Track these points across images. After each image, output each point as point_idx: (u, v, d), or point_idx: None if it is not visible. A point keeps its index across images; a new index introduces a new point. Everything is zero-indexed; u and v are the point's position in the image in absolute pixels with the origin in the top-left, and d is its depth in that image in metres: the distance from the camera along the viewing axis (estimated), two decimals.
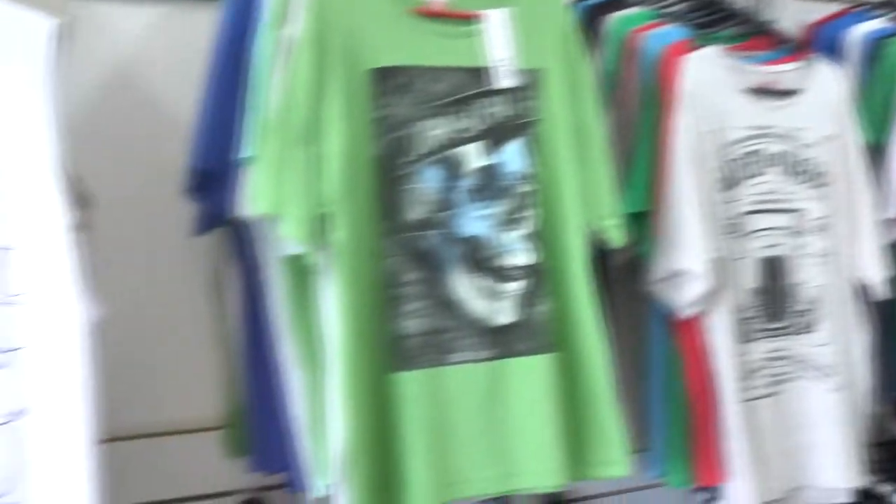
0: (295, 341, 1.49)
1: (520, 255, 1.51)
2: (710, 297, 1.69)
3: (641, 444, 1.75)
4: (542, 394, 1.48)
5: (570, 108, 1.55)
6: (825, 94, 1.84)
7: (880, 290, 1.86)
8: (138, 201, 1.73)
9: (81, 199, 1.33)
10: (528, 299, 1.51)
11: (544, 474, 1.47)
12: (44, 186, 1.24)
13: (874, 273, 1.85)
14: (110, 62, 1.74)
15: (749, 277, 1.76)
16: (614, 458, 1.53)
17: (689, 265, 1.66)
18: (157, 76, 1.77)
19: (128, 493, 1.51)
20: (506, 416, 1.48)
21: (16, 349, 1.23)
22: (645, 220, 1.69)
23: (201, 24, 1.63)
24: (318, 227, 1.37)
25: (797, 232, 1.80)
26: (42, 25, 1.26)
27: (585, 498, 2.07)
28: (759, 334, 1.77)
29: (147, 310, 1.75)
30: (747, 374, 1.74)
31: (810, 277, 1.81)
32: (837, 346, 1.83)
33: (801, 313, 1.80)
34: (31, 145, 1.24)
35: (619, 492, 2.08)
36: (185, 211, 1.61)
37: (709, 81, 1.73)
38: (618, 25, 1.81)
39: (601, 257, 1.66)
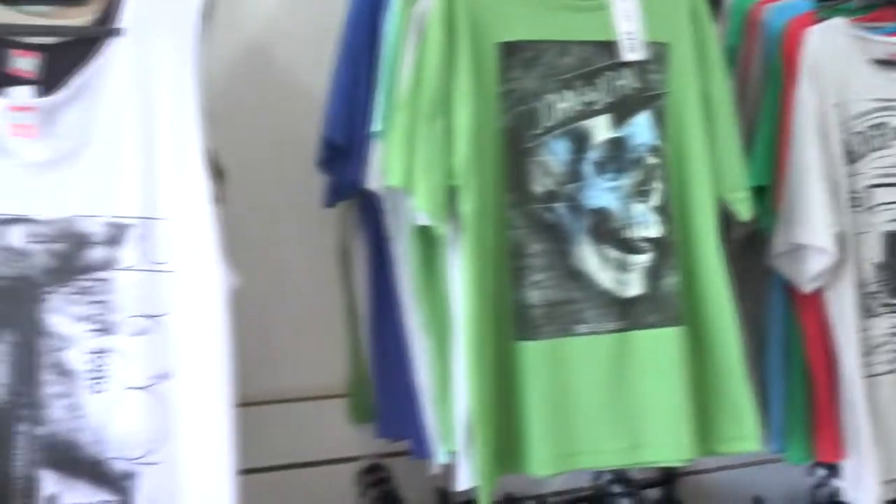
0: (422, 310, 1.51)
1: (648, 227, 1.50)
2: (833, 271, 1.66)
3: (760, 418, 1.72)
4: (671, 367, 1.47)
5: (698, 81, 1.53)
6: None
7: None
8: (270, 173, 1.76)
9: (217, 171, 1.37)
10: (656, 271, 1.50)
11: (673, 448, 1.47)
12: (189, 159, 1.28)
13: None
14: (245, 37, 1.77)
15: (873, 252, 1.72)
16: (746, 433, 1.52)
17: (812, 240, 1.63)
18: (290, 51, 1.80)
19: (255, 457, 1.54)
20: (632, 388, 1.47)
21: (162, 315, 1.28)
22: (767, 193, 1.67)
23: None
24: (447, 199, 1.39)
25: None
26: (190, 3, 1.29)
27: (700, 472, 2.05)
28: (882, 309, 1.72)
29: (277, 279, 1.78)
30: (869, 349, 1.70)
31: None
32: None
33: None
34: (179, 119, 1.28)
35: (736, 466, 2.06)
36: (316, 183, 1.64)
37: (833, 53, 1.69)
38: None
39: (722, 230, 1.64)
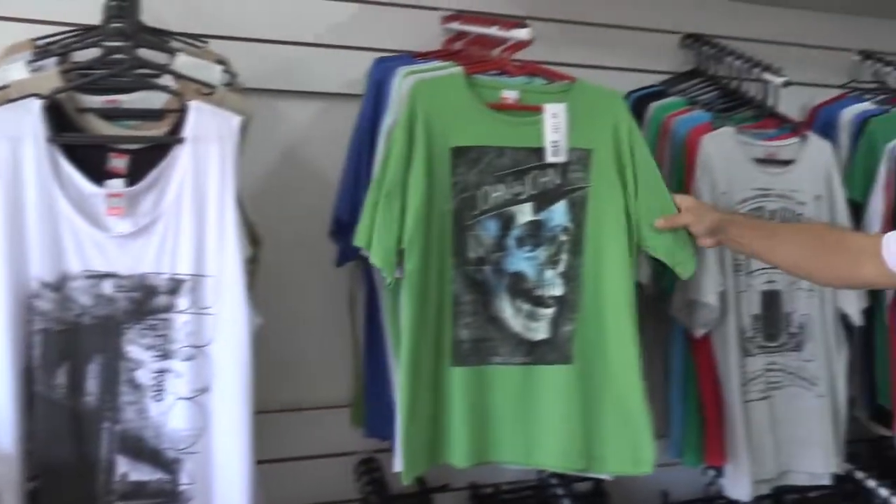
0: (391, 342, 1.68)
1: (554, 288, 1.66)
2: (719, 320, 1.83)
3: (664, 432, 1.90)
4: (563, 394, 1.64)
5: (618, 177, 1.66)
6: (816, 163, 1.94)
7: (858, 319, 1.94)
8: (298, 241, 1.93)
9: (254, 239, 1.57)
10: (557, 322, 1.67)
11: (558, 456, 1.65)
12: (228, 232, 1.47)
13: (853, 305, 1.93)
14: (284, 140, 1.97)
15: (751, 306, 1.88)
16: (643, 459, 1.65)
17: (702, 297, 1.79)
18: (315, 151, 1.98)
19: (279, 450, 1.76)
20: (533, 407, 1.64)
21: (205, 345, 1.48)
22: None
23: (349, 113, 1.85)
24: (397, 258, 1.56)
25: None
26: (234, 121, 1.50)
27: None
28: (757, 351, 1.90)
29: (302, 319, 1.96)
30: (746, 381, 1.87)
31: (800, 307, 1.92)
32: (820, 361, 1.92)
33: (793, 335, 1.92)
34: (222, 203, 1.47)
35: None
36: (330, 248, 1.84)
37: (722, 154, 1.86)
38: (657, 111, 1.98)
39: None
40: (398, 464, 1.60)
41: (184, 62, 1.63)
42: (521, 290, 1.67)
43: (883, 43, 2.39)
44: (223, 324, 1.48)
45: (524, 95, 1.69)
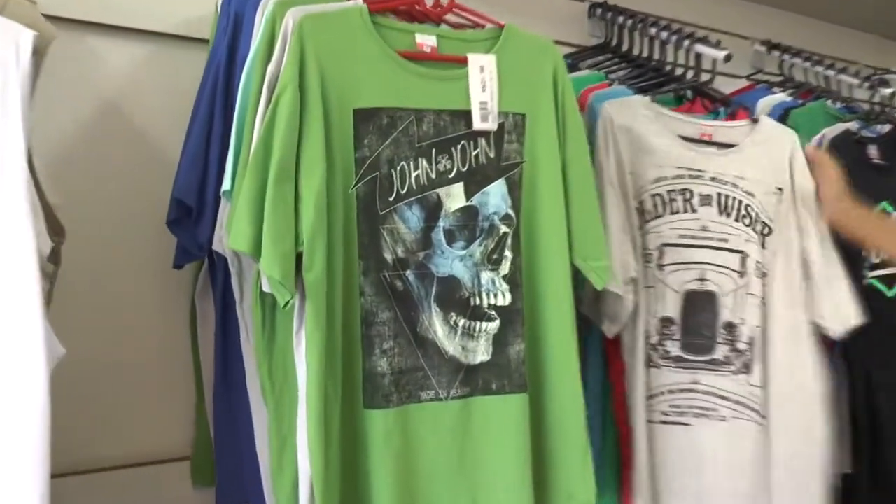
0: (261, 377, 1.14)
1: (496, 295, 1.18)
2: (629, 320, 1.38)
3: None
4: (515, 433, 1.16)
5: (556, 151, 1.22)
6: (772, 151, 1.53)
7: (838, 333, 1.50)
8: (120, 232, 1.35)
9: (56, 229, 0.99)
10: (502, 339, 1.18)
11: None
12: (16, 211, 0.89)
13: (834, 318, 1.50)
14: (100, 93, 1.35)
15: (658, 306, 1.43)
16: (583, 499, 1.22)
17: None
18: (144, 109, 1.38)
19: None
20: (476, 453, 1.16)
21: None
22: None
23: (189, 61, 1.32)
24: (294, 265, 1.04)
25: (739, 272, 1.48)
26: (22, 37, 0.92)
27: None
28: (662, 362, 1.44)
29: (123, 342, 1.36)
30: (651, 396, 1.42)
31: (749, 318, 1.46)
32: (775, 388, 1.46)
33: (739, 353, 1.46)
34: (2, 165, 0.88)
35: None
36: (165, 243, 1.26)
37: (630, 126, 1.43)
38: (574, 84, 1.45)
39: None
40: None
41: None
42: (455, 299, 1.16)
43: (779, 35, 2.10)
44: (2, 357, 0.89)
45: (443, 43, 1.19)
